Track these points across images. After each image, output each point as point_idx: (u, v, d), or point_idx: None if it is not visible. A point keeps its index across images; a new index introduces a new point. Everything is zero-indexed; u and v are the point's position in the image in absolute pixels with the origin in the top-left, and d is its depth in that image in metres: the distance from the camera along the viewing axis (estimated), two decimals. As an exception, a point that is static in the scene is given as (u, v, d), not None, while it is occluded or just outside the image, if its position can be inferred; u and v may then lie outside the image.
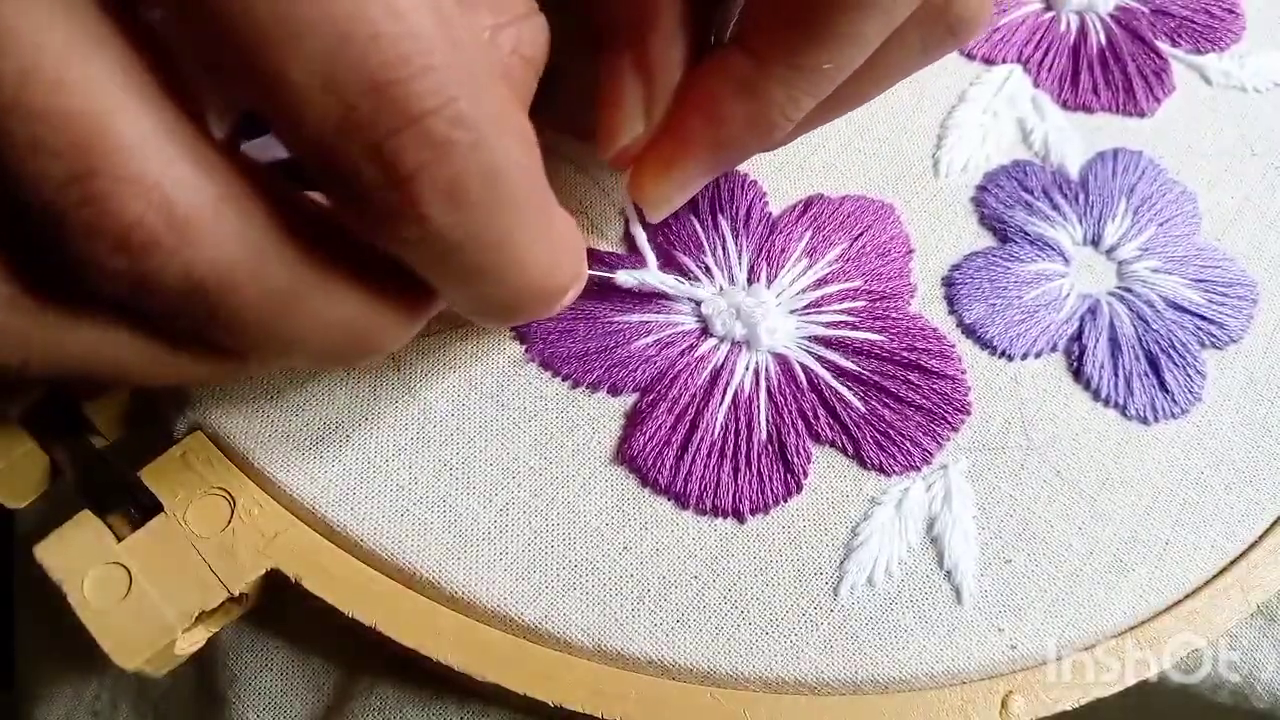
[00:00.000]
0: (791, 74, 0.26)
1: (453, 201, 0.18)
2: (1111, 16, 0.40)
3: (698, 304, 0.31)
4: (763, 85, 0.26)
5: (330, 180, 0.18)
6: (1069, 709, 0.27)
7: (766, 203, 0.34)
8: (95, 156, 0.17)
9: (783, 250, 0.32)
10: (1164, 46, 0.39)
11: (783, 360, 0.31)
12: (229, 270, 0.18)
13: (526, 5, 0.23)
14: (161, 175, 0.17)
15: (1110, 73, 0.38)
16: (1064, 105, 0.38)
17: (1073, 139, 0.36)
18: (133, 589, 0.26)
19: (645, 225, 0.32)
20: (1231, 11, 0.40)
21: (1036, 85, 0.38)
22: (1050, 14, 0.40)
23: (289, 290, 0.19)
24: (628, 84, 0.27)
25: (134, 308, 0.19)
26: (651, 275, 0.31)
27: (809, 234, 0.33)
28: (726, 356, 0.30)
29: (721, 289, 0.31)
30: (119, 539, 0.27)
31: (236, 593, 0.27)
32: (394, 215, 0.18)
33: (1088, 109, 0.37)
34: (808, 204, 0.34)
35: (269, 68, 0.17)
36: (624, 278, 0.30)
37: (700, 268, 0.32)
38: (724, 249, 0.32)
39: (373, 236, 0.19)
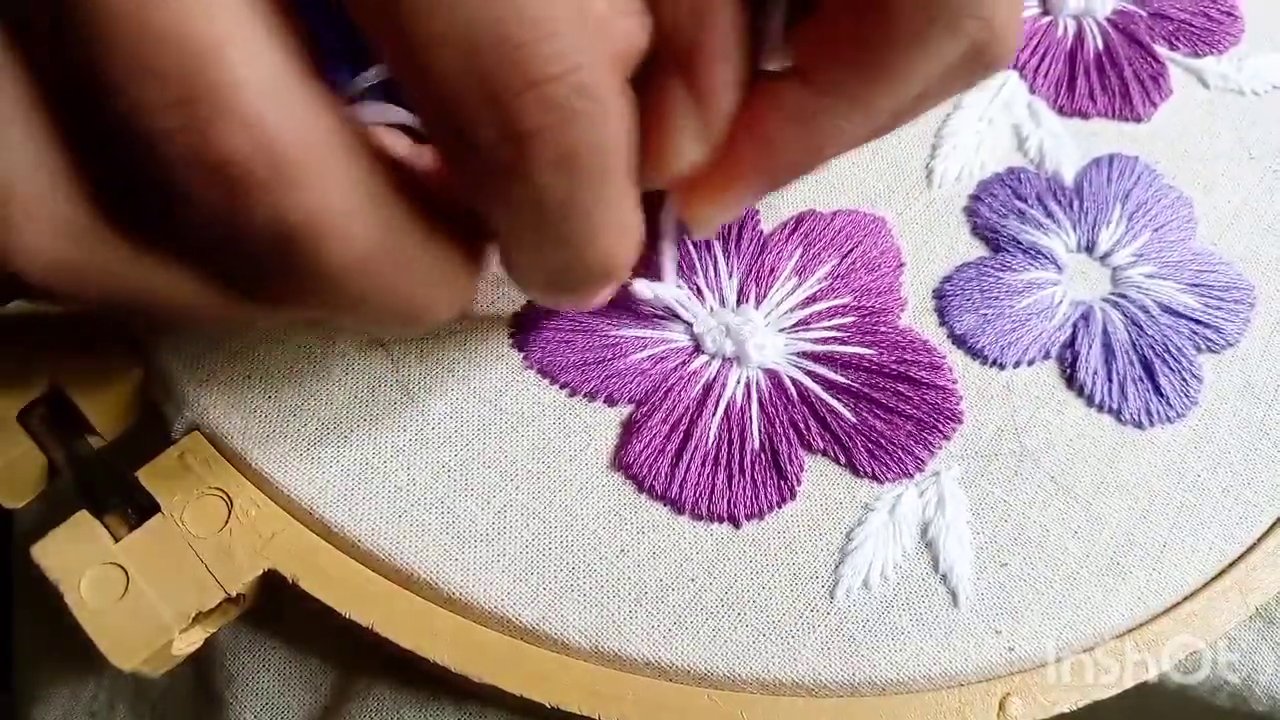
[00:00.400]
0: (851, 109, 0.26)
1: (562, 167, 0.19)
2: (1109, 21, 0.40)
3: (690, 323, 0.31)
4: (821, 118, 0.26)
5: (446, 130, 0.19)
6: (1066, 711, 0.27)
7: (759, 221, 0.34)
8: (203, 83, 0.16)
9: (772, 270, 0.32)
10: (1161, 50, 0.39)
11: (773, 375, 0.31)
12: (319, 220, 0.18)
13: (639, 3, 0.23)
14: (268, 113, 0.17)
15: (1107, 78, 0.38)
16: (1060, 111, 0.38)
17: (1068, 145, 0.37)
18: (130, 589, 0.26)
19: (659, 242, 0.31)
20: (1230, 14, 0.40)
21: (1033, 91, 0.38)
22: (1047, 19, 0.40)
23: (370, 250, 0.19)
24: (682, 109, 0.26)
25: (212, 245, 0.19)
26: (667, 290, 0.31)
27: (799, 252, 0.33)
28: (718, 372, 0.31)
29: (712, 310, 0.31)
30: (116, 539, 0.27)
31: (234, 593, 0.27)
32: (504, 172, 0.19)
33: (1084, 115, 0.38)
34: (799, 220, 0.34)
35: (406, 13, 0.17)
36: (640, 287, 0.30)
37: (692, 289, 0.32)
38: (715, 270, 0.32)
39: (474, 191, 0.20)
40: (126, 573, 0.26)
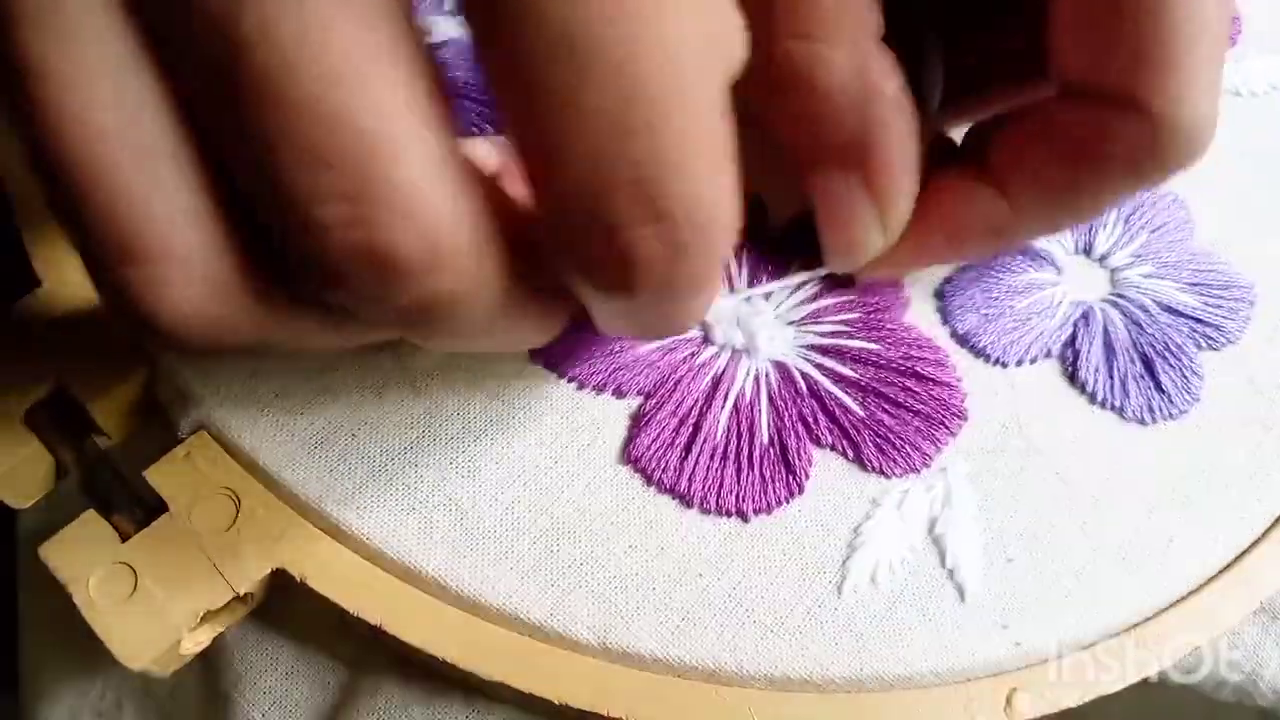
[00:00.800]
0: (1041, 227, 0.29)
1: (661, 293, 0.19)
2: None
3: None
4: (1014, 228, 0.28)
5: (553, 227, 0.18)
6: (1074, 705, 0.28)
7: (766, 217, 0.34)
8: (378, 182, 0.16)
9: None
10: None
11: (782, 368, 0.31)
12: (458, 296, 0.18)
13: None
14: (434, 209, 0.17)
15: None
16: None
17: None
18: (138, 589, 0.26)
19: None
20: (1227, 17, 0.41)
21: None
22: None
23: (495, 307, 0.20)
24: (863, 207, 0.27)
25: (351, 306, 0.19)
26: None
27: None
28: (727, 364, 0.31)
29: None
30: (124, 539, 0.27)
31: (242, 592, 0.26)
32: (603, 284, 0.19)
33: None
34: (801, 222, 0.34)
35: (548, 124, 0.17)
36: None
37: None
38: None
39: (567, 276, 0.19)
40: (135, 572, 0.26)
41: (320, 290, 0.19)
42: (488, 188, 0.19)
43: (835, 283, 0.32)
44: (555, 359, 0.30)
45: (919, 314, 0.33)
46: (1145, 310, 0.33)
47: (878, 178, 0.27)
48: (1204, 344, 0.33)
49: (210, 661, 0.30)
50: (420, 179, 0.17)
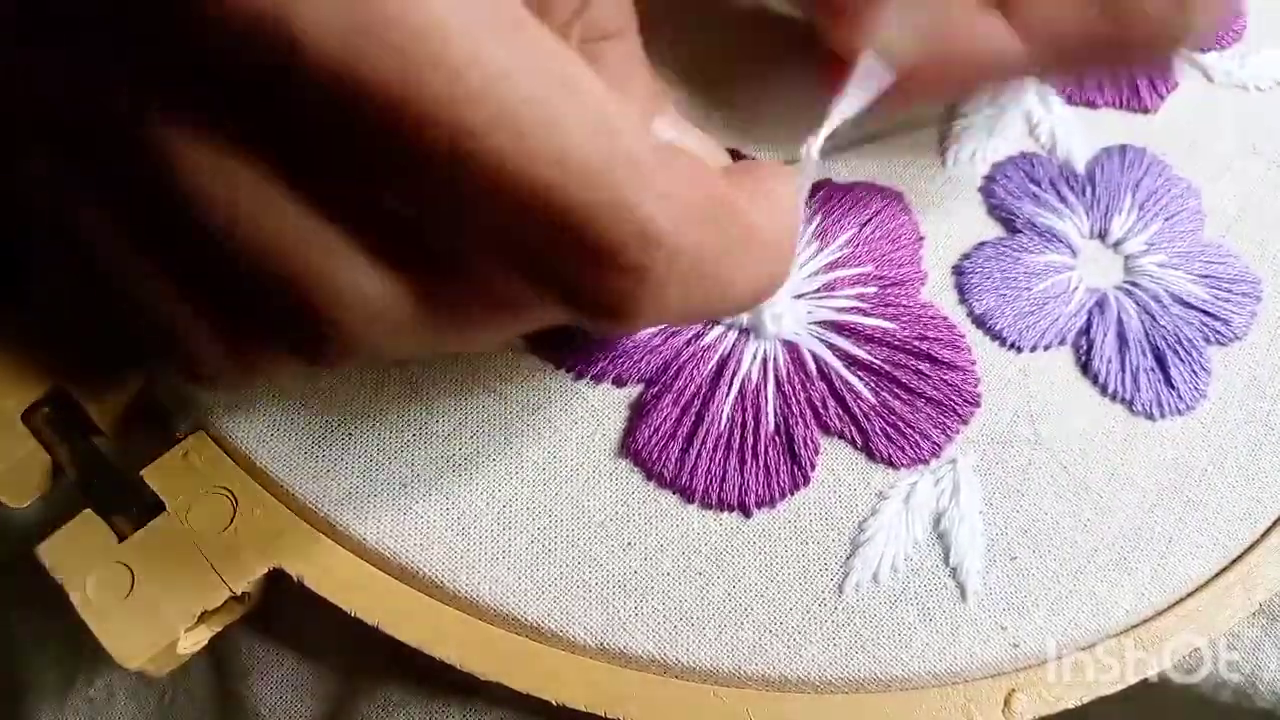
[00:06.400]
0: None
1: None
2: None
3: None
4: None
5: None
6: (1072, 707, 0.27)
7: None
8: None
9: None
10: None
11: (792, 348, 0.30)
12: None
13: None
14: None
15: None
16: (1068, 100, 0.37)
17: (1077, 133, 0.36)
18: (135, 589, 0.26)
19: None
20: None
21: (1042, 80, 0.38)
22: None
23: None
24: None
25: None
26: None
27: (819, 217, 0.33)
28: (734, 345, 0.30)
29: None
30: (121, 538, 0.27)
31: (239, 592, 0.27)
32: None
33: (1091, 104, 0.37)
34: (816, 188, 0.33)
35: None
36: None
37: None
38: None
39: None
40: (132, 572, 0.26)
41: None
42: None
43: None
44: (553, 349, 0.30)
45: (935, 289, 0.32)
46: (1159, 301, 0.33)
47: None
48: (1212, 338, 0.32)
49: (216, 655, 0.29)
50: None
